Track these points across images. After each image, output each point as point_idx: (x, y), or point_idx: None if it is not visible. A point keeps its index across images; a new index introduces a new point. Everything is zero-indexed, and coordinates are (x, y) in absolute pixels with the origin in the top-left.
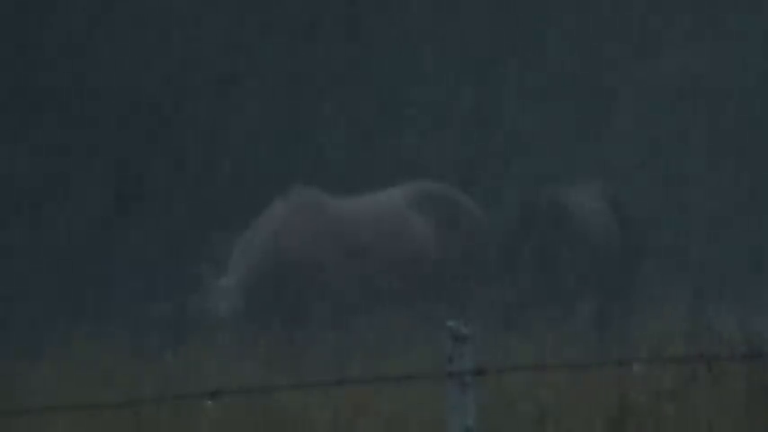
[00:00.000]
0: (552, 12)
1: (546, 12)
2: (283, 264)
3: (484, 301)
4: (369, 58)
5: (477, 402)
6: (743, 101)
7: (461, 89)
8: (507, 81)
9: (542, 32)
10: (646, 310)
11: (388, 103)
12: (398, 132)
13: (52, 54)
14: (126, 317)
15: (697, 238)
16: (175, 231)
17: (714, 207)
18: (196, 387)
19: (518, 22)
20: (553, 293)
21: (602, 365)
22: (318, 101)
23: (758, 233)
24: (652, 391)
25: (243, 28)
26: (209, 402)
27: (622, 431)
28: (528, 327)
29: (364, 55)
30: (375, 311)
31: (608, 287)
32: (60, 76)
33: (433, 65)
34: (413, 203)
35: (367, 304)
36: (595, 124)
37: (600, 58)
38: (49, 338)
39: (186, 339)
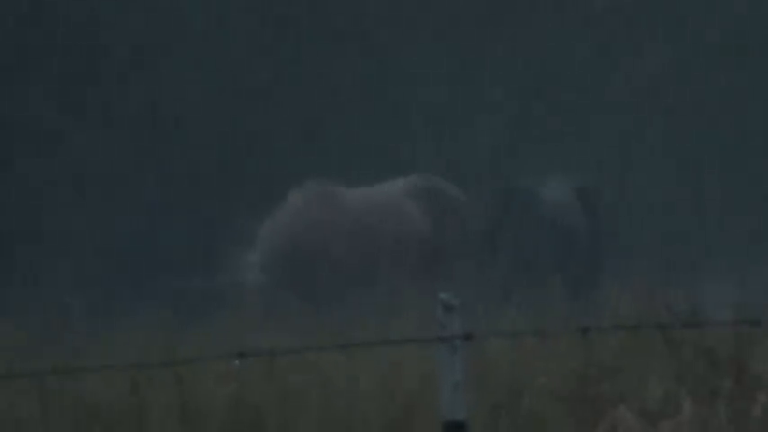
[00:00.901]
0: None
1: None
2: (298, 244)
3: (467, 274)
4: (373, 71)
5: (464, 362)
6: (699, 102)
7: (452, 94)
8: (491, 88)
9: (515, 38)
10: (607, 284)
11: (389, 107)
12: (397, 133)
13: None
14: (170, 288)
15: (650, 223)
16: (213, 219)
17: (664, 199)
18: (226, 349)
19: (496, 28)
20: (527, 269)
21: (569, 332)
22: (330, 107)
23: (704, 219)
24: (612, 352)
25: (267, 46)
26: (237, 362)
27: (585, 384)
28: (506, 298)
29: (370, 68)
30: (377, 284)
31: (574, 265)
32: (107, 80)
33: (425, 70)
34: (409, 193)
35: (370, 277)
36: (566, 125)
37: (571, 62)
38: (119, 306)
39: (219, 306)
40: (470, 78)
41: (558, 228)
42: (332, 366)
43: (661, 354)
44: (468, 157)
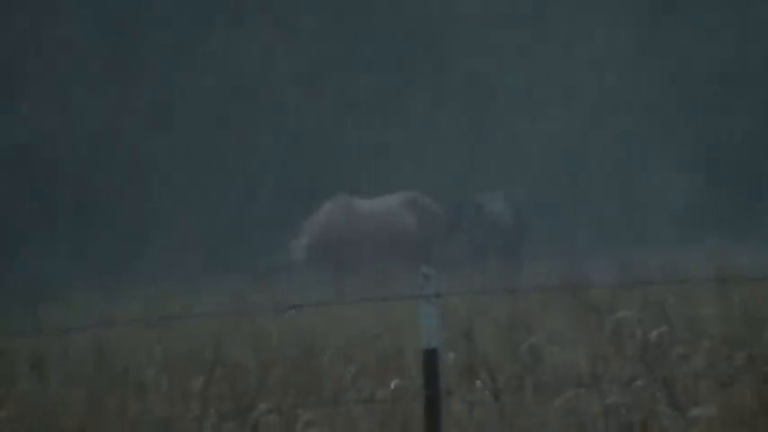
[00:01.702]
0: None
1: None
2: (328, 236)
3: (439, 258)
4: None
5: (436, 311)
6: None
7: (423, 137)
8: (456, 131)
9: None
10: (531, 264)
11: (383, 148)
12: (391, 164)
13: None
14: (248, 263)
15: (564, 225)
16: (278, 217)
17: (579, 205)
18: (284, 303)
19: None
20: (478, 255)
21: (504, 294)
22: (351, 149)
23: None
24: (536, 307)
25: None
26: (293, 311)
27: (514, 333)
28: (465, 272)
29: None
30: (381, 261)
31: (506, 252)
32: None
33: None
34: (401, 203)
35: (377, 257)
36: (504, 147)
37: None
38: (206, 277)
39: (278, 275)
40: (437, 124)
41: (493, 226)
42: (352, 314)
43: (561, 304)
44: (437, 179)
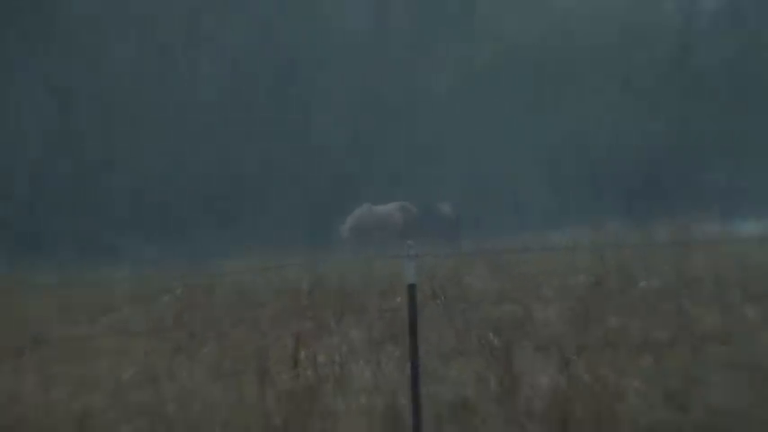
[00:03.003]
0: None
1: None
2: (359, 225)
3: (415, 238)
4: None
5: (414, 264)
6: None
7: (405, 163)
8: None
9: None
10: (462, 241)
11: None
12: (389, 182)
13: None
14: (309, 240)
15: (480, 219)
16: (329, 211)
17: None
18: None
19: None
20: (432, 238)
21: (449, 256)
22: (372, 159)
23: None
24: (465, 263)
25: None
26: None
27: (454, 275)
28: (428, 245)
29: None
30: (384, 241)
31: (450, 234)
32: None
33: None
34: (396, 209)
35: (383, 238)
36: (448, 170)
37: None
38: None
39: (332, 250)
40: (417, 153)
41: (444, 221)
42: (368, 268)
43: (474, 263)
44: (415, 193)
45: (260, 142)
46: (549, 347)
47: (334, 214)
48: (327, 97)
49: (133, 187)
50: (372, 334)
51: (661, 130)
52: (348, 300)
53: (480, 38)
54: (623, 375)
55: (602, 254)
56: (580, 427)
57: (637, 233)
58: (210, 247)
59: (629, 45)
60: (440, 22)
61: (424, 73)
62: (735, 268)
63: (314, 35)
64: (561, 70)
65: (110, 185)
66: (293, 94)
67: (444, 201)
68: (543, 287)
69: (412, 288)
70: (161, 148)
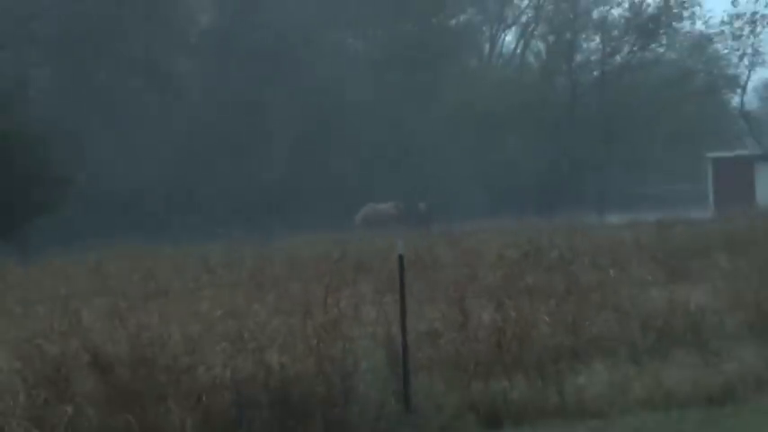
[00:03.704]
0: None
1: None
2: (366, 217)
3: (403, 225)
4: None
5: (403, 243)
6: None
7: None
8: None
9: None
10: (434, 228)
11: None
12: (389, 186)
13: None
14: (335, 227)
15: (449, 212)
16: (348, 208)
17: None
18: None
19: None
20: (412, 225)
21: (425, 237)
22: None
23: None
24: (439, 243)
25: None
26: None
27: (431, 250)
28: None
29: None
30: (385, 226)
31: (426, 223)
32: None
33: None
34: (391, 206)
35: (382, 225)
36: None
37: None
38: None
39: (350, 233)
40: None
41: (420, 214)
42: (373, 245)
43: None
44: (403, 196)
45: (303, 169)
46: (490, 296)
47: (351, 210)
48: (344, 140)
49: (227, 193)
50: (377, 287)
51: (558, 156)
52: (361, 265)
53: (445, 101)
54: (537, 313)
55: (526, 236)
56: (509, 346)
57: (546, 223)
58: (273, 231)
59: (538, 103)
60: (423, 88)
61: (409, 123)
62: (604, 244)
63: (330, 102)
64: (496, 120)
65: (213, 192)
66: (323, 137)
67: (421, 201)
68: (485, 257)
69: (401, 258)
70: (245, 167)
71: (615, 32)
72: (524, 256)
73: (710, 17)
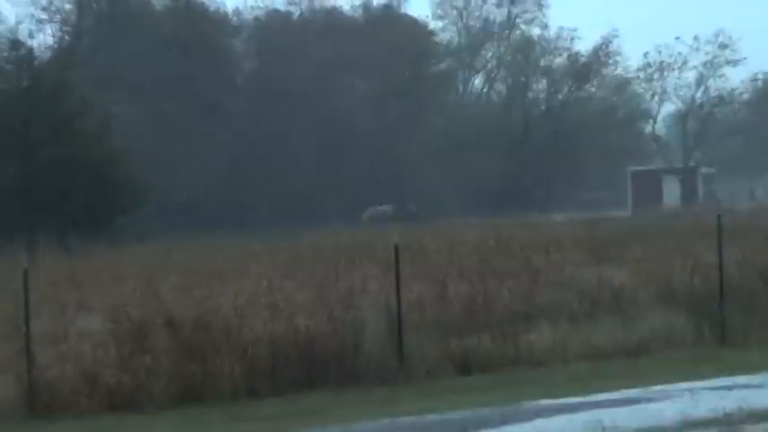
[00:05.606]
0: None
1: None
2: (371, 216)
3: (397, 220)
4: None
5: (398, 236)
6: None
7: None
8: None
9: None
10: (422, 225)
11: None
12: (386, 190)
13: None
14: (348, 224)
15: (434, 212)
16: (357, 209)
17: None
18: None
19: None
20: (402, 220)
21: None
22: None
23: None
24: (426, 233)
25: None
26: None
27: (416, 241)
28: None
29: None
30: (385, 220)
31: (414, 220)
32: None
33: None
34: (389, 207)
35: (382, 218)
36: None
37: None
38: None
39: (359, 228)
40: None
41: (411, 213)
42: (376, 237)
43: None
44: (398, 199)
45: (322, 179)
46: (464, 274)
47: (358, 211)
48: (353, 157)
49: (264, 198)
50: (379, 267)
51: (515, 170)
52: (367, 251)
53: (429, 127)
54: (499, 287)
55: (492, 230)
56: (478, 312)
57: (506, 220)
58: (300, 227)
59: (499, 129)
60: (413, 118)
61: (402, 144)
62: (550, 236)
63: (342, 129)
64: (468, 142)
65: (254, 198)
66: (336, 155)
67: (412, 204)
68: (462, 246)
69: (396, 246)
70: (278, 178)
71: (557, 77)
72: (494, 244)
73: (629, 64)
